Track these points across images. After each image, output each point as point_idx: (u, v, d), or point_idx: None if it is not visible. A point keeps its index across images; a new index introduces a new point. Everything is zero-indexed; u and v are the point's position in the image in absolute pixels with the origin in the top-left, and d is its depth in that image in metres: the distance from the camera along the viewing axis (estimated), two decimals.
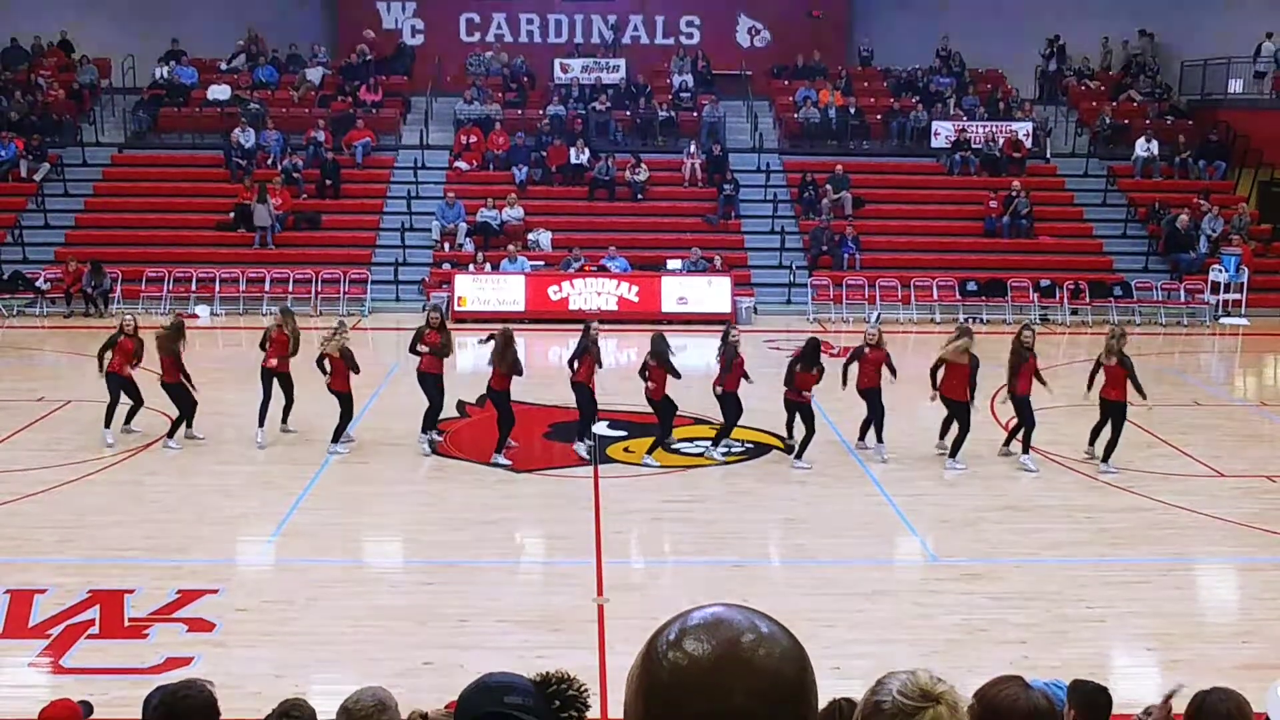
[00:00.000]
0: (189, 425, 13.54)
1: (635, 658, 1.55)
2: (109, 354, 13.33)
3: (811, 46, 29.37)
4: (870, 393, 13.18)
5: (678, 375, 13.01)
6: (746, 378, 13.11)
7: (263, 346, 13.75)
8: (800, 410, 13.04)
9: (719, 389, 13.15)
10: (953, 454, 12.98)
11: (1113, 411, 12.84)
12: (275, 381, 13.58)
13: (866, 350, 13.18)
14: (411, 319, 22.07)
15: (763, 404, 13.69)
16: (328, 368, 13.16)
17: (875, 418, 13.22)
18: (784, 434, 13.54)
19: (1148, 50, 30.07)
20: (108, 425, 13.38)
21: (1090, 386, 13.05)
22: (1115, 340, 12.86)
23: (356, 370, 13.21)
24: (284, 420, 13.82)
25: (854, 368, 13.24)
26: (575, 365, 13.22)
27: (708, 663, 1.47)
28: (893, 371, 13.18)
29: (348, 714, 3.95)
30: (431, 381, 13.41)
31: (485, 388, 13.15)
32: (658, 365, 12.96)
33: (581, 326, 13.65)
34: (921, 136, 27.15)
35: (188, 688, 4.20)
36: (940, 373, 13.00)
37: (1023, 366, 12.91)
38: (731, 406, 13.11)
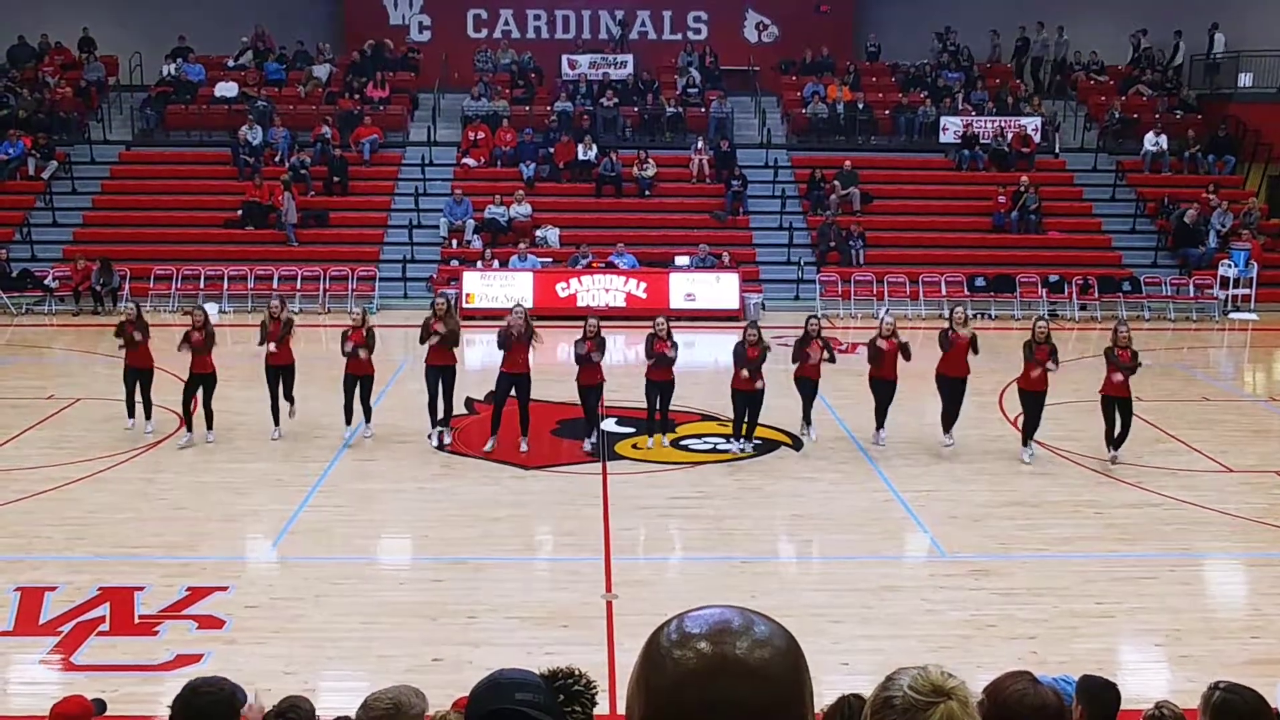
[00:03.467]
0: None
1: (637, 655, 1.60)
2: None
3: (819, 42, 29.33)
4: (882, 384, 13.24)
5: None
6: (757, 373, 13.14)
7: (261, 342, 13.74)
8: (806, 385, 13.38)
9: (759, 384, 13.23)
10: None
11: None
12: (280, 376, 13.61)
13: (881, 343, 13.23)
14: (419, 316, 22.05)
15: (769, 399, 13.67)
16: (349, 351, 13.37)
17: (882, 404, 13.31)
18: (797, 427, 13.57)
19: (1052, 45, 29.87)
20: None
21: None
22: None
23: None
24: (288, 414, 13.80)
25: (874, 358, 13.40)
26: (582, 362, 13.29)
27: (706, 660, 1.52)
28: (906, 355, 13.27)
29: (366, 710, 3.96)
30: (434, 374, 13.45)
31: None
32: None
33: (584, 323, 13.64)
34: (930, 132, 27.10)
35: (208, 684, 4.22)
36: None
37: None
38: (755, 401, 13.21)
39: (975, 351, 13.17)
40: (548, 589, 9.67)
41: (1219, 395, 17.00)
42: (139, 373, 13.58)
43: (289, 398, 13.68)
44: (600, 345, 13.14)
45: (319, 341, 20.96)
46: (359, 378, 13.48)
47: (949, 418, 13.25)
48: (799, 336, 13.55)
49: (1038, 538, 10.84)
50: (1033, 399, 12.94)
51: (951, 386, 13.22)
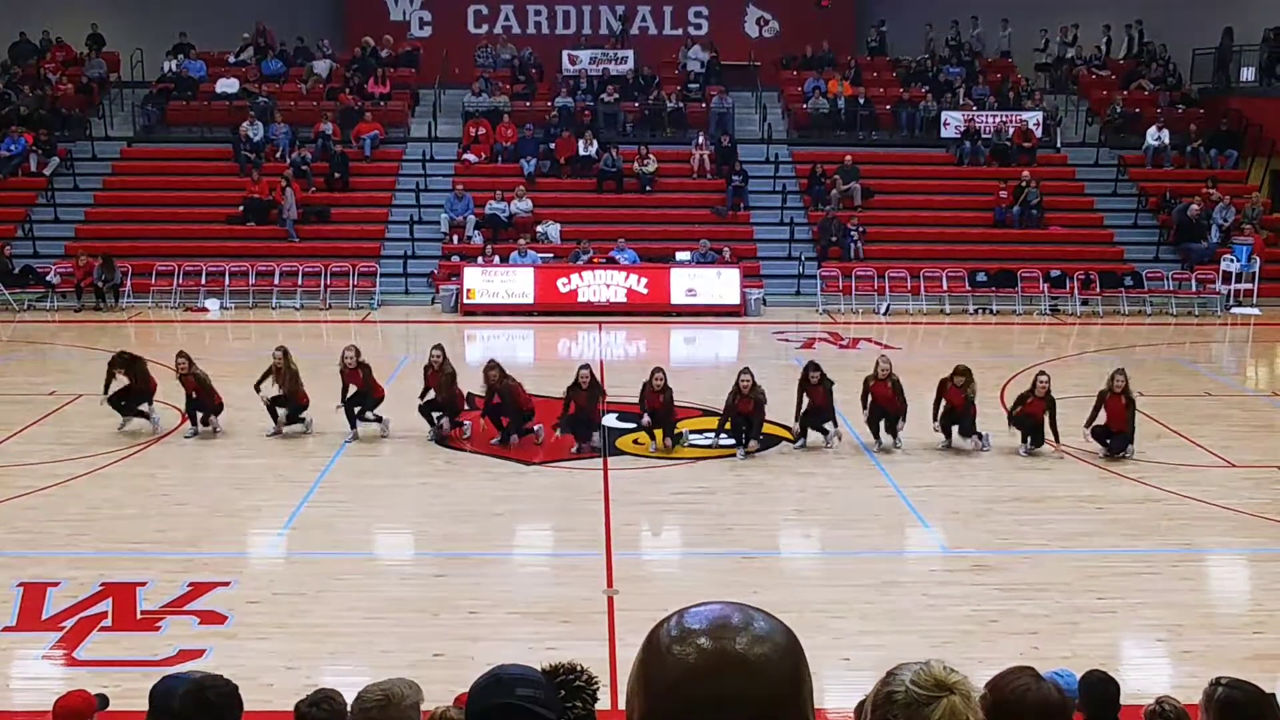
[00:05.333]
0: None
1: (638, 651, 1.61)
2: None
3: (820, 37, 29.30)
4: (888, 412, 13.27)
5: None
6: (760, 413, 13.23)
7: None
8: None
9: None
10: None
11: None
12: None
13: (872, 384, 13.23)
14: (420, 312, 22.15)
15: (771, 396, 13.65)
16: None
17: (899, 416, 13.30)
18: (793, 424, 13.54)
19: (976, 37, 29.75)
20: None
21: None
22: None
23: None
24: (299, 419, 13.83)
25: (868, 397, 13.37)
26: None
27: (706, 656, 1.54)
28: (903, 414, 13.22)
29: (359, 702, 3.98)
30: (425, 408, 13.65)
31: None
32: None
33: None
34: (931, 126, 27.07)
35: (214, 679, 4.22)
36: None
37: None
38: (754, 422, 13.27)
39: (972, 408, 13.23)
40: (549, 584, 9.68)
41: (1221, 390, 16.98)
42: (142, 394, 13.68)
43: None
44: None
45: (320, 336, 20.99)
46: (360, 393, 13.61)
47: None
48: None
49: (1040, 533, 10.84)
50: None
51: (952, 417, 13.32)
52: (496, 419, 13.46)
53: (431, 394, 13.60)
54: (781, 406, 13.62)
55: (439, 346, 13.75)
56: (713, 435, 13.48)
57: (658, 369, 13.45)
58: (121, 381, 13.63)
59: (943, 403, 13.26)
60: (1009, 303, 22.76)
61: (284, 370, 13.57)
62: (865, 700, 1.87)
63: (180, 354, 13.63)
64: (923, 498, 11.75)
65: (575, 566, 10.04)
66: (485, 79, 27.59)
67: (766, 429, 13.54)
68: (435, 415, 13.62)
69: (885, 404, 13.27)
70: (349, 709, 4.12)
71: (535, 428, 13.47)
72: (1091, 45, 29.62)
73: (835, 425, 13.37)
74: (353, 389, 13.63)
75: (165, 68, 27.84)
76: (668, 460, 12.99)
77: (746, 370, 13.29)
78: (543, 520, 11.40)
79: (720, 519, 11.20)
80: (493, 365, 13.45)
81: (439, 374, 13.51)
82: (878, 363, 13.38)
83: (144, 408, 13.71)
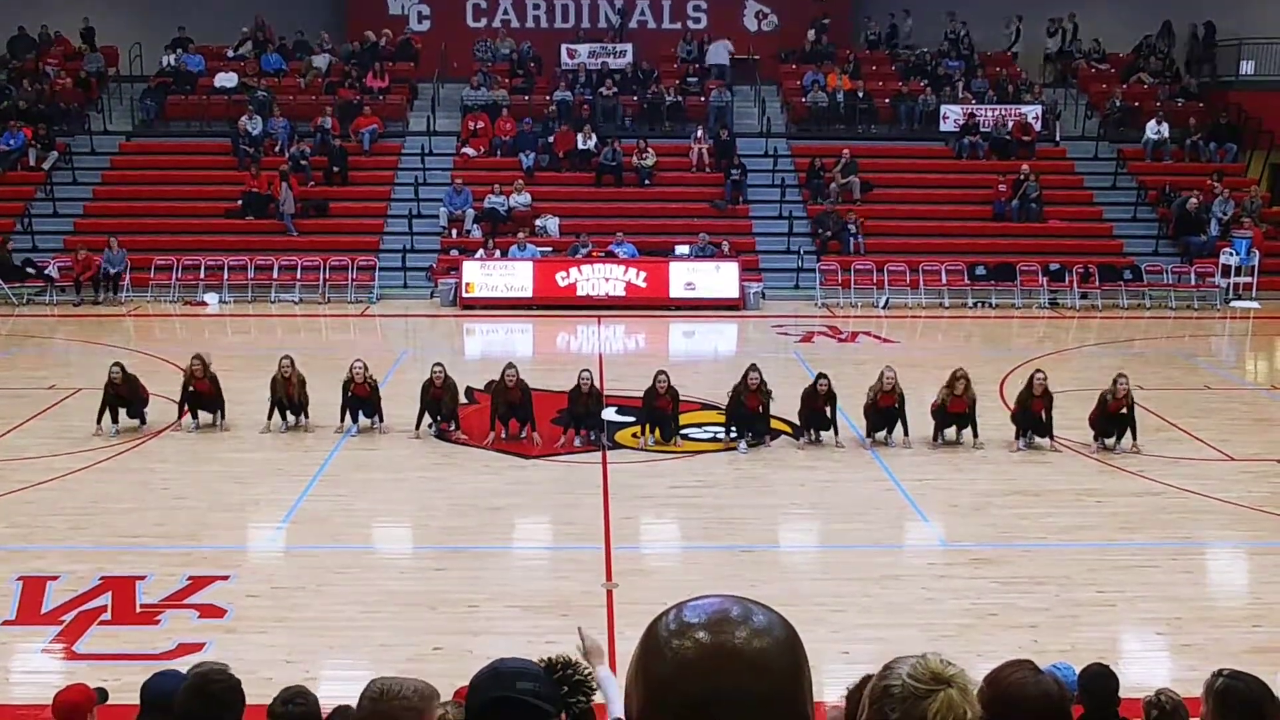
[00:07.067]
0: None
1: (636, 644, 1.61)
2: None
3: (819, 30, 29.24)
4: (891, 411, 13.23)
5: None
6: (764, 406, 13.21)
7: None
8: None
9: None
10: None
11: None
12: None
13: (878, 398, 13.15)
14: (420, 306, 22.15)
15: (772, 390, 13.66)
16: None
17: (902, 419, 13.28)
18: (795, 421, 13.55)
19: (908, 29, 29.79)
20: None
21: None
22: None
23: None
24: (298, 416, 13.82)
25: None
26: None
27: (705, 650, 1.53)
28: (905, 427, 13.17)
29: (395, 696, 3.96)
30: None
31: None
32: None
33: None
34: (930, 120, 27.04)
35: (218, 672, 4.21)
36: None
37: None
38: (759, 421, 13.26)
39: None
40: (548, 578, 9.68)
41: (1220, 384, 16.97)
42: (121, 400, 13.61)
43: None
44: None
45: (319, 331, 21.00)
46: (362, 400, 13.55)
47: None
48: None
49: (1039, 526, 10.84)
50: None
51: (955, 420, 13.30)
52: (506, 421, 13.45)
53: (426, 416, 13.48)
54: (783, 400, 13.61)
55: (440, 364, 13.61)
56: (713, 429, 13.49)
57: (661, 371, 13.43)
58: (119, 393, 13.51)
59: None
60: (1008, 296, 22.76)
61: (294, 378, 13.52)
62: (863, 697, 1.86)
63: (196, 357, 13.58)
64: (921, 491, 11.75)
65: (574, 560, 10.05)
66: (484, 73, 27.56)
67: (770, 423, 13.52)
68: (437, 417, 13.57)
69: (891, 413, 13.24)
70: (353, 705, 4.11)
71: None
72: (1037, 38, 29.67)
73: (835, 435, 13.31)
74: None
75: (164, 62, 27.78)
76: (667, 454, 12.99)
77: (755, 368, 13.30)
78: (542, 514, 11.40)
79: (719, 512, 11.20)
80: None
81: (443, 390, 13.44)
82: (883, 374, 13.23)
83: (144, 411, 13.68)
